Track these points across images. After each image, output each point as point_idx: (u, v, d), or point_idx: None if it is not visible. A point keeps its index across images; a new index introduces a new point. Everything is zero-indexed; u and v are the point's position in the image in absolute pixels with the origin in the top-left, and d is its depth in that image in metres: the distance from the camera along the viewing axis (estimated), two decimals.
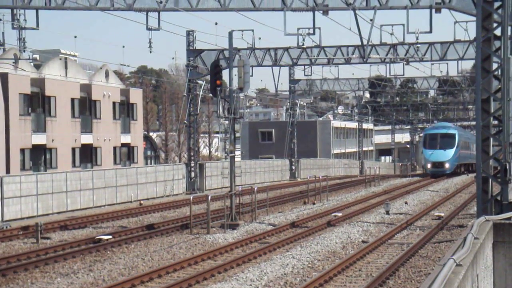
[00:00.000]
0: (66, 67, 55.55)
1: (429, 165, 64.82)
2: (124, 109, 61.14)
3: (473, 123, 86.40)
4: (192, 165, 49.11)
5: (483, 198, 20.16)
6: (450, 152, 64.29)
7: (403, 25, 34.20)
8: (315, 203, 38.87)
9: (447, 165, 63.96)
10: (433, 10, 30.51)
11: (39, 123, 49.54)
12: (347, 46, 48.35)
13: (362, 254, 21.73)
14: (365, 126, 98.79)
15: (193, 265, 20.69)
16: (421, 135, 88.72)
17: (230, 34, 30.85)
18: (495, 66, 20.42)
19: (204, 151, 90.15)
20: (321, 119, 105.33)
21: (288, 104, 70.01)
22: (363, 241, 24.60)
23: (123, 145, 60.57)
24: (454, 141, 64.93)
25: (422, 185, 53.43)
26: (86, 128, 55.11)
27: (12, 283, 18.51)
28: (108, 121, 57.93)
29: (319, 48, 46.43)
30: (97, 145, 56.47)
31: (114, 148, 59.00)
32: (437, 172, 63.70)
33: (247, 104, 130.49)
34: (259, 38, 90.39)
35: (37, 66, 54.22)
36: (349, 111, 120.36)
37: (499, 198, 20.24)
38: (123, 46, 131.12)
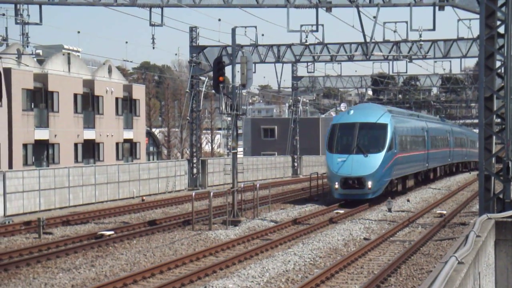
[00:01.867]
0: (69, 63, 55.56)
1: (336, 184, 35.22)
2: (127, 105, 61.16)
3: (476, 121, 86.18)
4: (194, 161, 49.11)
5: (485, 196, 20.14)
6: (377, 160, 35.58)
7: (406, 22, 34.21)
8: (317, 199, 38.87)
9: (369, 184, 34.98)
10: (437, 8, 30.48)
11: (41, 118, 49.56)
12: (350, 43, 48.28)
13: (364, 251, 21.73)
14: None
15: (194, 261, 20.71)
16: None
17: (233, 30, 30.84)
18: (498, 64, 20.39)
19: (207, 148, 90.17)
20: (323, 116, 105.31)
21: (291, 101, 69.97)
22: (365, 238, 24.60)
23: (126, 141, 60.58)
24: (384, 137, 36.30)
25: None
26: (89, 123, 55.13)
27: (14, 278, 18.53)
28: (111, 117, 57.94)
29: (322, 45, 46.38)
30: (99, 141, 56.48)
31: (117, 144, 59.01)
32: (351, 196, 35.61)
33: (250, 101, 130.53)
34: (262, 35, 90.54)
35: (40, 62, 54.24)
36: None
37: (501, 196, 20.22)
38: (126, 42, 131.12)
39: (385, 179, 36.67)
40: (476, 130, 74.45)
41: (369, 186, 35.14)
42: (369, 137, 36.27)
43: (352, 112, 37.93)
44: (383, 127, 36.64)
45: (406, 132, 41.45)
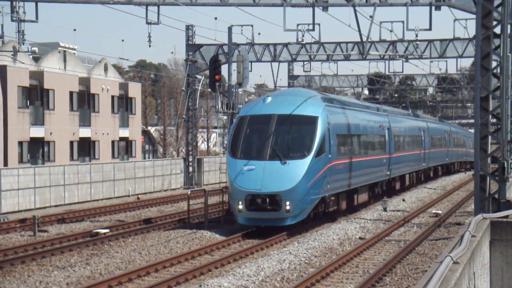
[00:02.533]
0: (65, 60, 55.48)
1: (240, 204, 24.93)
2: (123, 103, 61.09)
3: (472, 121, 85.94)
4: (190, 159, 49.09)
5: (481, 196, 20.17)
6: (299, 169, 25.18)
7: (403, 22, 34.22)
8: None
9: (288, 204, 24.74)
10: (433, 8, 30.52)
11: (37, 116, 49.48)
12: (347, 43, 48.33)
13: (359, 251, 21.75)
14: None
15: (190, 259, 20.70)
16: None
17: (230, 29, 30.85)
18: (494, 64, 20.41)
19: (202, 146, 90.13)
20: None
21: None
22: (360, 238, 24.62)
23: (121, 139, 60.53)
24: (312, 136, 25.96)
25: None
26: (85, 121, 55.06)
27: (9, 275, 18.50)
28: (107, 115, 57.87)
29: (319, 44, 46.41)
30: (95, 139, 56.41)
31: (112, 142, 58.95)
32: (261, 222, 25.37)
33: (246, 99, 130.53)
34: (259, 34, 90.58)
35: (36, 59, 54.15)
36: None
37: (496, 196, 20.25)
38: (123, 40, 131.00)
39: (313, 197, 25.51)
40: (472, 130, 74.08)
41: (287, 208, 24.38)
42: (290, 136, 25.65)
43: (269, 100, 26.61)
44: (312, 121, 25.83)
45: (352, 130, 30.70)
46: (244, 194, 24.71)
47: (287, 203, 24.60)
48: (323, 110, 26.88)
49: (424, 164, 48.58)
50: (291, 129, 25.90)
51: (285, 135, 25.72)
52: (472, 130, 72.04)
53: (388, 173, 37.18)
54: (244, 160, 25.24)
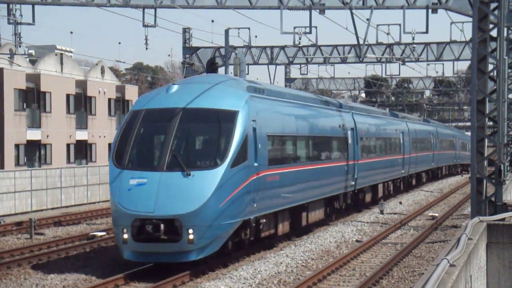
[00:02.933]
0: (61, 63, 55.47)
1: (125, 233, 17.93)
2: (120, 106, 61.07)
3: (468, 123, 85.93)
4: None
5: (477, 199, 20.18)
6: (208, 183, 18.19)
7: (400, 25, 34.26)
8: None
9: (191, 233, 17.77)
10: (430, 11, 30.53)
11: (34, 118, 49.44)
12: (343, 46, 48.36)
13: (356, 254, 21.75)
14: None
15: None
16: None
17: (227, 32, 30.87)
18: (490, 67, 20.45)
19: None
20: None
21: None
22: (357, 241, 24.62)
23: None
24: (228, 138, 18.96)
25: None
26: (81, 124, 55.03)
27: (5, 278, 18.47)
28: (103, 118, 57.85)
29: (315, 47, 46.42)
30: (92, 142, 56.39)
31: (109, 144, 58.89)
32: (154, 258, 18.40)
33: None
34: (256, 36, 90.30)
35: (33, 62, 54.13)
36: None
37: (493, 199, 20.27)
38: (119, 43, 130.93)
39: (229, 221, 18.80)
40: (468, 133, 73.81)
41: (190, 237, 17.89)
42: (198, 138, 19.64)
43: (174, 88, 20.09)
44: (229, 117, 19.28)
45: (296, 130, 24.39)
46: (131, 219, 17.82)
47: (190, 230, 17.73)
48: (247, 102, 19.92)
49: (403, 171, 42.85)
50: (200, 129, 19.37)
51: (191, 137, 19.24)
52: (468, 133, 71.46)
53: (353, 183, 31.01)
54: (132, 171, 18.44)
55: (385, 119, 41.48)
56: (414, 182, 48.49)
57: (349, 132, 30.73)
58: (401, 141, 42.52)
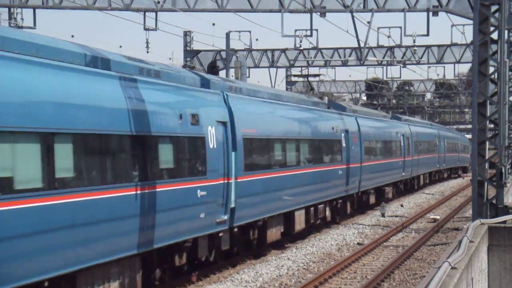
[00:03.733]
0: None
1: None
2: None
3: (469, 126, 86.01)
4: None
5: (479, 201, 20.17)
6: None
7: (400, 27, 34.27)
8: None
9: None
10: (430, 13, 30.56)
11: None
12: (344, 48, 48.39)
13: (358, 257, 21.74)
14: None
15: None
16: None
17: (228, 35, 30.91)
18: (491, 69, 20.44)
19: None
20: None
21: None
22: (358, 243, 24.61)
23: None
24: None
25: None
26: None
27: None
28: None
29: (316, 50, 46.45)
30: None
31: None
32: None
33: None
34: (256, 39, 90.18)
35: None
36: None
37: (494, 201, 20.26)
38: (120, 46, 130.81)
39: None
40: (469, 136, 73.74)
41: None
42: None
43: None
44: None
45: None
46: None
47: None
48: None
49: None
50: None
51: None
52: (469, 136, 71.05)
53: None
54: None
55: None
56: (416, 184, 48.45)
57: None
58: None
